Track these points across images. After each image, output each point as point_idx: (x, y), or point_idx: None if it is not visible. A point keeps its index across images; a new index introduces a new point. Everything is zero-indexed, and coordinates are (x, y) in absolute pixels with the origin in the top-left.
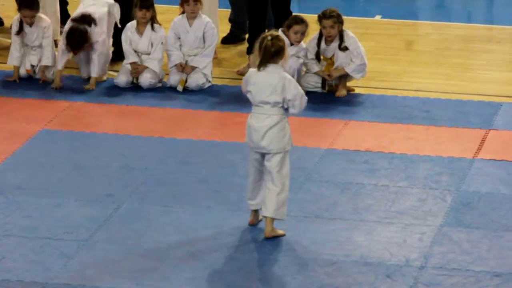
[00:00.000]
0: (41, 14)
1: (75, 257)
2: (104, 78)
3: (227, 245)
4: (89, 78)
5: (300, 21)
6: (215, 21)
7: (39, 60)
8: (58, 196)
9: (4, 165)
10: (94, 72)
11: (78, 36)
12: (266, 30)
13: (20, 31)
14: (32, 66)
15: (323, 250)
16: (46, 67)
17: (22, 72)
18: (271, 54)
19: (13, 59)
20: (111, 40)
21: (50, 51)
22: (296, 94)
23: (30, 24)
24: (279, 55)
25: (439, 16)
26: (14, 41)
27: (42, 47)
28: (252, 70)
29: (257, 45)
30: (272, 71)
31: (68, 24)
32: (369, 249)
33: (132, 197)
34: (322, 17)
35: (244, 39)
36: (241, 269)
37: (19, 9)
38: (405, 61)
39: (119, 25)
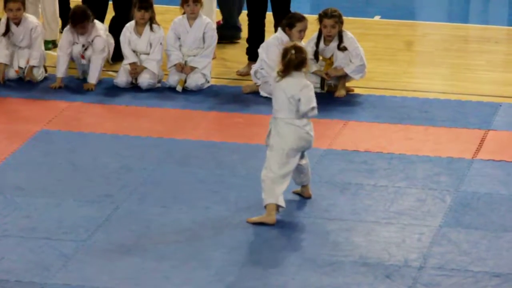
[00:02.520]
0: (28, 14)
1: (74, 257)
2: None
3: (226, 245)
4: (85, 79)
5: (302, 18)
6: (212, 21)
7: (27, 61)
8: (57, 196)
9: (3, 165)
10: (93, 78)
11: (81, 12)
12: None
13: (6, 32)
14: (20, 68)
15: (322, 251)
16: (34, 67)
17: (12, 73)
18: (294, 66)
19: (0, 57)
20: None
21: (38, 51)
22: (308, 98)
23: (17, 23)
24: (302, 66)
25: (438, 17)
26: (1, 40)
27: (31, 47)
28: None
29: (279, 55)
30: (295, 78)
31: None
32: (368, 249)
33: (130, 197)
34: (323, 16)
35: (238, 38)
36: (240, 269)
37: (5, 6)
38: (404, 61)
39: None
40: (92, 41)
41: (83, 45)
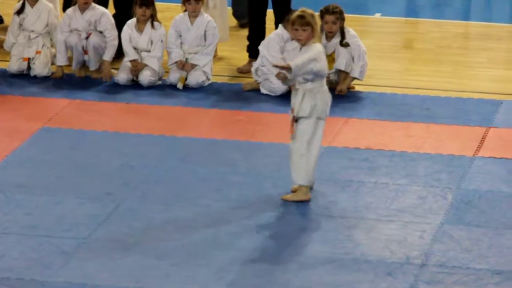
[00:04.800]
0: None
1: (75, 255)
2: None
3: (227, 243)
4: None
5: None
6: (225, 19)
7: (37, 52)
8: (58, 194)
9: (4, 163)
10: (107, 56)
11: None
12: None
13: (21, 10)
14: (29, 58)
15: (323, 248)
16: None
17: (14, 67)
18: None
19: (8, 45)
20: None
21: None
22: None
23: (32, 4)
24: None
25: (439, 14)
26: (14, 22)
27: (51, 32)
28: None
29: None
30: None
31: None
32: (369, 247)
33: (132, 195)
34: (324, 12)
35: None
36: (242, 267)
37: None
38: (405, 59)
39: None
40: (97, 21)
41: (86, 33)
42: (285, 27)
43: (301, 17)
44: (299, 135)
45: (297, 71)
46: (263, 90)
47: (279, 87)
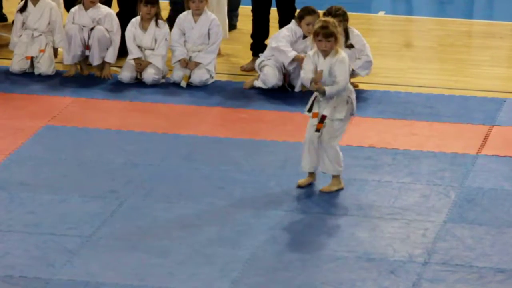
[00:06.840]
0: None
1: (78, 253)
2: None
3: (231, 241)
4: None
5: (312, 11)
6: (222, 17)
7: (41, 50)
8: (61, 192)
9: (7, 161)
10: (108, 57)
11: None
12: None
13: (24, 8)
14: (32, 57)
15: (326, 246)
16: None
17: (16, 66)
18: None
19: (13, 45)
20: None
21: (61, 33)
22: None
23: (34, 2)
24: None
25: (443, 12)
26: (17, 20)
27: (53, 29)
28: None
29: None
30: None
31: None
32: (372, 245)
33: (135, 193)
34: (327, 15)
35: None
36: (245, 265)
37: None
38: (408, 57)
39: None
40: (101, 19)
41: (90, 29)
42: (297, 24)
43: (325, 27)
44: (338, 134)
45: (329, 96)
46: (256, 83)
47: (270, 79)
